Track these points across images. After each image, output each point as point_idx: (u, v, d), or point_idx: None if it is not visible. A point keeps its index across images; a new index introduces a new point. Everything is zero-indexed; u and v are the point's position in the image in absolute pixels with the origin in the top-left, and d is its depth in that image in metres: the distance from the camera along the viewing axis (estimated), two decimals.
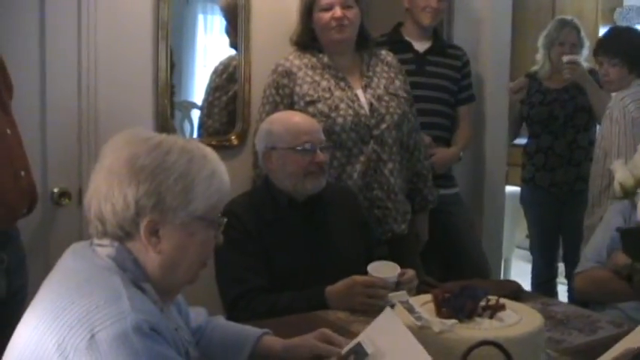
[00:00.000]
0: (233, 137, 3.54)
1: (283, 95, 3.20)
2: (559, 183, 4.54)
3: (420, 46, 3.90)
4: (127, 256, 1.63)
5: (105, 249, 1.64)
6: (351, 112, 3.13)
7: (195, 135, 3.62)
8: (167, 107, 3.32)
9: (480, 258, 3.87)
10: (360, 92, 3.20)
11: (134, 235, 1.63)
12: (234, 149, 3.52)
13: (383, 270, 2.54)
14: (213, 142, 3.40)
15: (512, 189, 5.21)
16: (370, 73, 3.27)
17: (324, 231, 2.77)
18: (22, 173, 2.28)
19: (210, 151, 1.75)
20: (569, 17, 4.85)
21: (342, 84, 3.20)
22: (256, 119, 3.32)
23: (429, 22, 3.84)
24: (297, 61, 3.24)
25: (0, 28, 2.38)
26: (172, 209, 1.63)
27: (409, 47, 3.86)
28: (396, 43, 3.82)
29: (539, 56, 4.70)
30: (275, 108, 3.17)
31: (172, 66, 3.36)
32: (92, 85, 3.09)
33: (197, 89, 3.66)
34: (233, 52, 3.62)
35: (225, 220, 1.77)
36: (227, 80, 3.61)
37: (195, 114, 3.65)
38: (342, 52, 3.27)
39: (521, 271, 5.59)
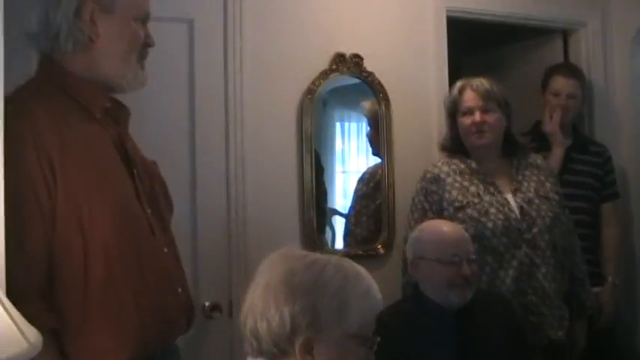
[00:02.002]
0: (379, 246, 3.54)
1: (432, 202, 3.18)
2: None
3: None
4: None
5: None
6: (501, 216, 3.07)
7: (339, 242, 3.64)
8: (313, 218, 3.38)
9: None
10: (509, 196, 3.14)
11: (289, 352, 1.63)
12: (380, 258, 3.52)
13: None
14: (360, 252, 3.46)
15: None
16: (519, 177, 3.21)
17: (477, 340, 2.70)
18: (180, 290, 2.32)
19: (363, 270, 1.75)
20: None
21: (491, 188, 3.15)
22: (404, 226, 3.30)
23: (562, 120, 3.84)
24: (445, 168, 3.22)
25: (154, 146, 2.47)
26: (328, 327, 1.62)
27: (550, 143, 3.82)
28: (537, 140, 3.79)
29: None
30: (424, 215, 3.15)
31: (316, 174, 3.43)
32: (240, 200, 3.19)
33: (337, 195, 3.70)
34: (375, 159, 3.67)
35: (379, 338, 1.75)
36: (374, 189, 3.65)
37: (337, 220, 3.67)
38: (488, 157, 3.24)
39: None
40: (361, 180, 3.69)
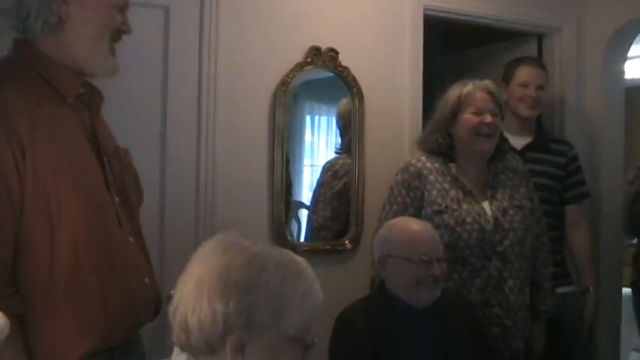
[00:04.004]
0: (347, 242, 3.55)
1: (414, 198, 3.12)
2: None
3: (519, 141, 3.72)
4: None
5: None
6: (476, 226, 3.03)
7: (302, 234, 3.65)
8: (282, 212, 3.37)
9: None
10: (485, 204, 3.10)
11: (218, 350, 1.55)
12: (347, 253, 3.53)
13: None
14: (328, 247, 3.47)
15: (628, 289, 5.02)
16: (495, 184, 3.16)
17: (441, 339, 2.70)
18: (147, 280, 2.30)
19: (304, 266, 1.65)
20: None
21: (469, 197, 3.10)
22: (380, 218, 3.18)
23: (528, 113, 3.74)
24: (428, 164, 3.16)
25: (124, 133, 2.44)
26: (262, 328, 1.54)
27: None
28: None
29: None
30: (404, 210, 3.10)
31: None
32: (210, 190, 3.17)
33: (304, 189, 3.70)
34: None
35: (316, 340, 1.65)
36: (332, 177, 3.66)
37: (303, 213, 3.68)
38: (477, 163, 3.17)
39: None
40: (323, 169, 3.71)
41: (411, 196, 3.13)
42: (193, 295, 1.56)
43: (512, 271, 3.07)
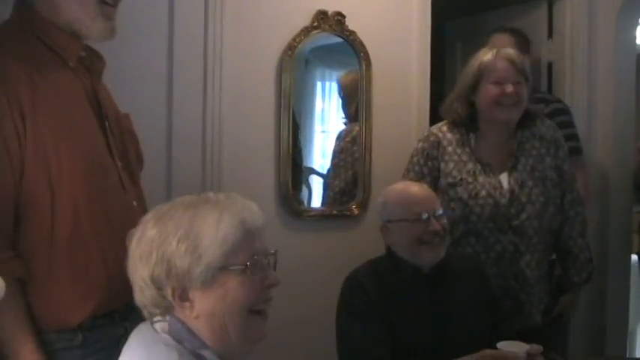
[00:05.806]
0: (354, 207, 3.55)
1: (432, 168, 3.11)
2: None
3: None
4: (179, 327, 1.60)
5: (161, 324, 1.62)
6: (490, 200, 3.00)
7: (315, 201, 3.64)
8: (289, 177, 3.37)
9: None
10: (504, 176, 3.05)
11: (170, 306, 1.61)
12: (355, 218, 3.55)
13: (512, 348, 2.46)
14: (335, 212, 3.49)
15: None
16: (519, 153, 3.10)
17: (450, 302, 2.69)
18: None
19: (212, 197, 1.68)
20: None
21: (487, 169, 3.06)
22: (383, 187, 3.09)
23: None
24: (449, 135, 3.13)
25: (130, 98, 2.43)
26: (186, 271, 1.57)
27: None
28: None
29: None
30: (421, 179, 3.07)
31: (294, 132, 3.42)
32: (216, 155, 3.17)
33: (315, 155, 3.68)
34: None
35: (255, 257, 1.65)
36: (351, 143, 3.65)
37: (314, 179, 3.66)
38: (500, 132, 3.11)
39: None
40: (338, 137, 3.69)
41: (429, 165, 3.13)
42: (131, 271, 1.65)
43: (529, 245, 3.04)
